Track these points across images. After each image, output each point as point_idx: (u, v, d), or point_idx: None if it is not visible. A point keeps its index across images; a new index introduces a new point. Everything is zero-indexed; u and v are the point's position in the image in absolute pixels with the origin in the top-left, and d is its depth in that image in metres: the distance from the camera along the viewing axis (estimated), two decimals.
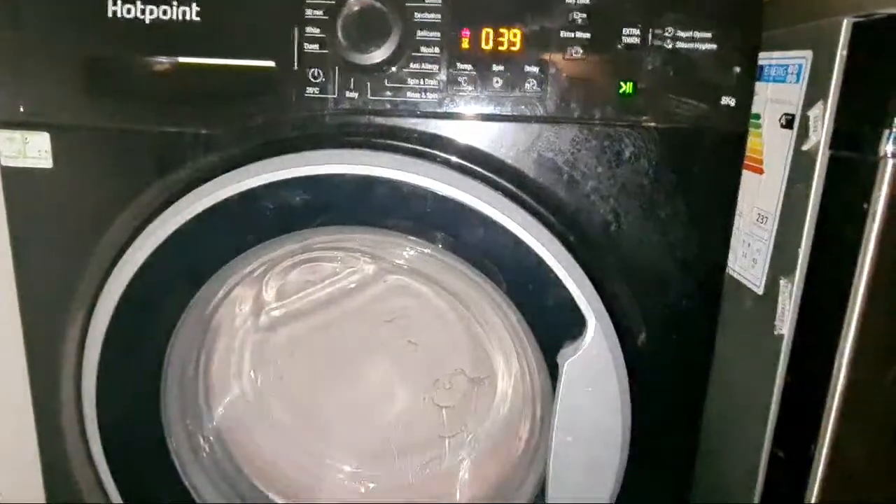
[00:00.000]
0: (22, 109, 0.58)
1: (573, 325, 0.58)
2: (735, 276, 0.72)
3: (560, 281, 0.57)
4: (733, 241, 0.67)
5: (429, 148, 0.57)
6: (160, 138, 0.58)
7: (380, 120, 0.57)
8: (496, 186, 0.57)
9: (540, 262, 0.56)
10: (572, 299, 0.57)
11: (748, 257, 0.73)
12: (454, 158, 0.57)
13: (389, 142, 0.57)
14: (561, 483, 0.60)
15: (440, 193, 0.56)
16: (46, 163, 0.59)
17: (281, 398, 0.78)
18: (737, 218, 0.68)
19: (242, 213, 0.57)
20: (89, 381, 0.61)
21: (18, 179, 0.59)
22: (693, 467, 0.67)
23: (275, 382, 0.77)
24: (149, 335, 0.61)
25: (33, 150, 0.59)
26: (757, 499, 0.65)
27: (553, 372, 0.59)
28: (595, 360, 0.57)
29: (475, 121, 0.57)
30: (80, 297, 0.61)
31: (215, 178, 0.57)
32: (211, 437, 0.71)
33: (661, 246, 0.60)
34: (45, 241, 0.61)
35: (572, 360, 0.57)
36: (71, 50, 0.57)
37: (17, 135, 0.58)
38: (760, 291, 0.70)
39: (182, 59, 0.56)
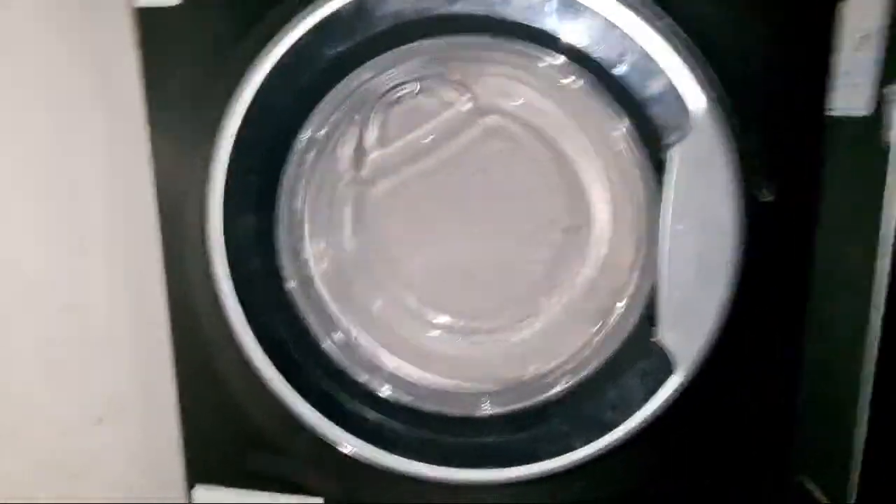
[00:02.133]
0: None
1: (679, 116, 0.58)
2: (835, 114, 0.71)
3: (664, 71, 0.58)
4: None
5: None
6: None
7: None
8: None
9: (643, 52, 0.58)
10: (675, 87, 0.57)
11: (849, 86, 0.72)
12: None
13: None
14: (674, 278, 0.59)
15: None
16: None
17: (378, 256, 0.80)
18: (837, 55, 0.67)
19: (354, 23, 0.60)
20: (215, 203, 0.65)
21: (150, 18, 0.65)
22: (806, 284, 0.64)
23: (373, 242, 0.80)
24: (267, 158, 0.65)
25: None
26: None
27: (660, 180, 0.59)
28: (703, 146, 0.58)
29: None
30: (205, 125, 0.65)
31: None
32: (316, 279, 0.75)
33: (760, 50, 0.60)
34: (174, 74, 0.66)
35: (679, 145, 0.57)
36: None
37: None
38: (865, 111, 0.68)
39: None
